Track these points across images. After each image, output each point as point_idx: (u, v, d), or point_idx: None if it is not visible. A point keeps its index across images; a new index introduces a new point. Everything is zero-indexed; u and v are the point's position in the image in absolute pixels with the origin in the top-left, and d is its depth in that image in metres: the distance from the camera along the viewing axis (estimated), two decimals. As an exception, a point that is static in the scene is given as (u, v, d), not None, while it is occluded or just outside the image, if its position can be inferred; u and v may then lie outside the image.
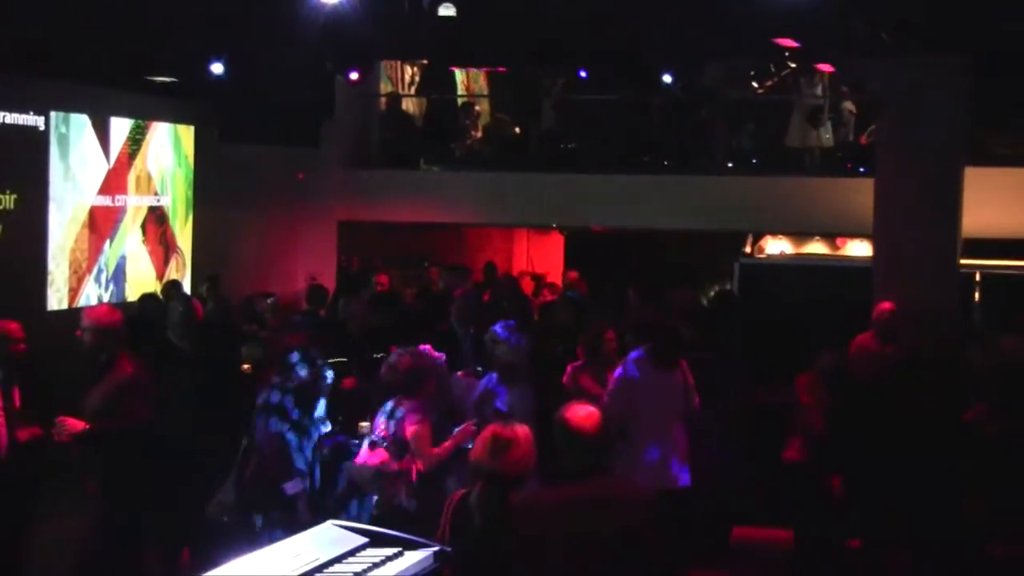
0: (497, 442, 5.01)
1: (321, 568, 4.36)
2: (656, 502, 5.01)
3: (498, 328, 8.67)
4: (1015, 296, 13.35)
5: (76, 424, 7.62)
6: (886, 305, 10.89)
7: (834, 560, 9.55)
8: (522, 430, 5.11)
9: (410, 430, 7.38)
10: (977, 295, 13.64)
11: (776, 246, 17.26)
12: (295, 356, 8.22)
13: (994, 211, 14.03)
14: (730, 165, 16.88)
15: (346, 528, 4.79)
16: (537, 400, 8.38)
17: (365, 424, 8.52)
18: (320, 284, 13.71)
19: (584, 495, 4.73)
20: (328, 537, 4.69)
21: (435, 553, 4.65)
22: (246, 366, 9.48)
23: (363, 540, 4.68)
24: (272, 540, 4.91)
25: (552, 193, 16.38)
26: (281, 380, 8.18)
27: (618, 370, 8.98)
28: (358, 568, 4.42)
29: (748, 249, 15.76)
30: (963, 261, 12.56)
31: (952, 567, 8.82)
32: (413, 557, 4.63)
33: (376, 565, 4.48)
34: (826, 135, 16.29)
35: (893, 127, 12.18)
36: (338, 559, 4.47)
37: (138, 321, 10.58)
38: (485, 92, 20.21)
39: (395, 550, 4.64)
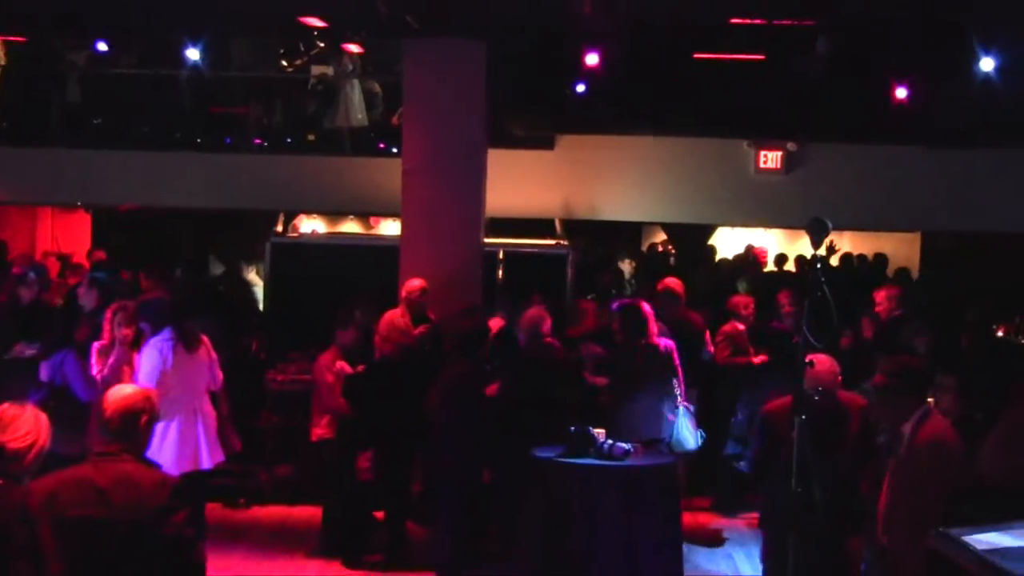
0: (2, 418, 4.82)
1: None
2: (178, 484, 4.97)
3: None
4: (534, 272, 13.96)
5: None
6: (415, 282, 11.13)
7: (360, 533, 9.72)
8: (34, 412, 4.93)
9: None
10: (500, 272, 14.12)
11: (310, 225, 17.28)
12: None
13: (515, 191, 14.64)
14: (264, 144, 16.76)
15: None
16: None
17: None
18: None
19: (90, 477, 4.65)
20: None
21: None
22: None
23: None
24: None
25: (76, 170, 15.72)
26: None
27: (146, 351, 8.95)
28: None
29: (280, 228, 15.66)
30: (487, 240, 12.98)
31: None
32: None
33: None
34: (359, 115, 16.43)
35: (418, 108, 12.38)
36: None
37: None
38: (2, 62, 19.02)
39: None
